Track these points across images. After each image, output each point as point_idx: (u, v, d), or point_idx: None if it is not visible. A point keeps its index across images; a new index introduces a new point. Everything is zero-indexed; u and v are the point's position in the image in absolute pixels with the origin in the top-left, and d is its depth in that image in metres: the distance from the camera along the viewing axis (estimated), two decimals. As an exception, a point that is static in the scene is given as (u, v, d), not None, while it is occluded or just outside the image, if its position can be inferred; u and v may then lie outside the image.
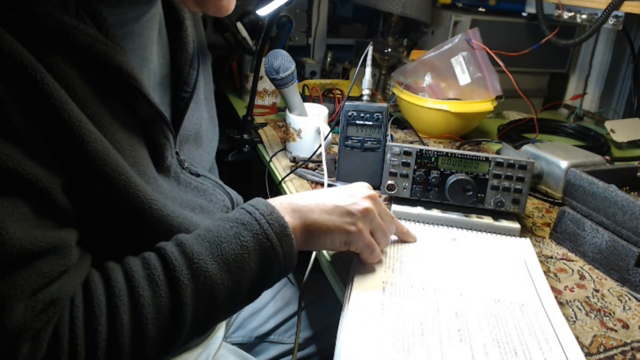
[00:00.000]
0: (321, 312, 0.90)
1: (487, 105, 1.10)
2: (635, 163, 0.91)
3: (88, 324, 0.43)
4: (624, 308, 0.60)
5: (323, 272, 0.69)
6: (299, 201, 0.57)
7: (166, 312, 0.46)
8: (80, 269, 0.46)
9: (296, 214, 0.55)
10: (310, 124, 0.93)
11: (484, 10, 1.42)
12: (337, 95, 1.22)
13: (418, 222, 0.75)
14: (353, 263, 0.63)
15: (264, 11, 0.93)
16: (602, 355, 0.52)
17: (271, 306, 0.90)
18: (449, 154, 0.74)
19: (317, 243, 0.57)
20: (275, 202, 0.56)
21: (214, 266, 0.49)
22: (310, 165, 0.94)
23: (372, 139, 0.85)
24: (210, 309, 0.49)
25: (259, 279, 0.52)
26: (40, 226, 0.42)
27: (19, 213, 0.41)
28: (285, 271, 0.54)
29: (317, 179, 0.88)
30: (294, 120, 0.94)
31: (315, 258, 0.69)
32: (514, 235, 0.73)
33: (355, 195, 0.59)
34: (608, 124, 1.20)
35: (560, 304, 0.59)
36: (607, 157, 1.00)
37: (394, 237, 0.68)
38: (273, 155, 1.00)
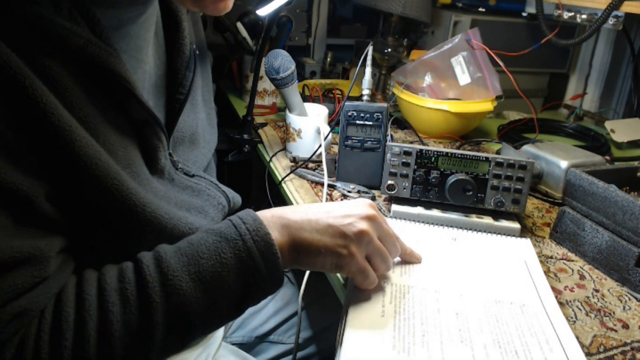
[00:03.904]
0: (321, 312, 0.90)
1: (487, 105, 1.10)
2: (635, 163, 0.91)
3: (54, 338, 0.43)
4: (624, 308, 0.60)
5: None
6: (290, 216, 0.54)
7: (135, 329, 0.45)
8: (58, 278, 0.46)
9: (285, 230, 0.52)
10: (310, 124, 0.93)
11: (484, 10, 1.42)
12: (337, 95, 1.22)
13: (418, 222, 0.75)
14: None
15: (264, 11, 0.93)
16: (602, 355, 0.52)
17: (271, 306, 0.90)
18: (449, 154, 0.74)
19: (307, 263, 0.54)
20: (265, 214, 0.53)
21: (190, 284, 0.47)
22: (310, 165, 0.94)
23: (372, 139, 0.85)
24: (184, 327, 0.48)
25: (240, 297, 0.50)
26: (18, 236, 0.42)
27: None
28: (271, 289, 0.52)
29: (317, 179, 0.88)
30: (294, 120, 0.94)
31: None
32: (514, 235, 0.73)
33: (353, 214, 0.55)
34: (608, 124, 1.20)
35: (561, 304, 0.59)
36: (607, 157, 1.00)
37: (397, 259, 0.64)
38: (273, 155, 1.00)
